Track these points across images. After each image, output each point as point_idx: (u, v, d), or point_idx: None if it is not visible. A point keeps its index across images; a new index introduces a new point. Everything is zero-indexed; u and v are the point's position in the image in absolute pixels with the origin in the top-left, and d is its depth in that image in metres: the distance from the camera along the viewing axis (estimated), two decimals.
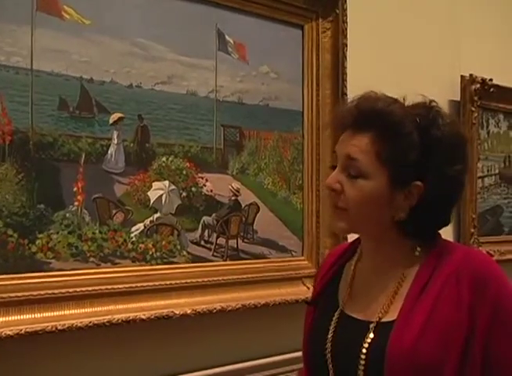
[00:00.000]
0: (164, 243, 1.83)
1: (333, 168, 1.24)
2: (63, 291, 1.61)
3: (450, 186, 1.21)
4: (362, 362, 1.17)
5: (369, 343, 1.18)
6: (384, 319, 1.19)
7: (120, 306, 1.70)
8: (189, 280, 1.85)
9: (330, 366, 1.24)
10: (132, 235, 1.78)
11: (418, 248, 1.23)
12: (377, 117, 1.18)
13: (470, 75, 2.79)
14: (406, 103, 1.24)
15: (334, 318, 1.28)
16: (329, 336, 1.26)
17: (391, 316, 1.18)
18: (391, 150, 1.16)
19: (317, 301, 1.39)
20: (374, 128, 1.18)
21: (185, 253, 1.88)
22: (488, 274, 1.17)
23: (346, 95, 2.17)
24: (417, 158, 1.16)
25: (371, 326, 1.20)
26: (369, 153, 1.17)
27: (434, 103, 1.23)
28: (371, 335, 1.18)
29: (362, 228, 1.24)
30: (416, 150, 1.16)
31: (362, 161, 1.17)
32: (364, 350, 1.17)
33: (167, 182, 1.86)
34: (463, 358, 1.12)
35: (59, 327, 1.56)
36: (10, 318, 1.52)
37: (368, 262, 1.31)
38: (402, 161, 1.16)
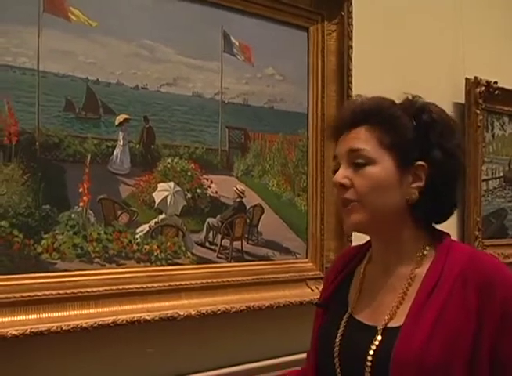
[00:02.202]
0: (168, 244, 1.84)
1: (335, 172, 1.26)
2: (68, 291, 1.61)
3: (451, 162, 1.24)
4: (369, 364, 1.17)
5: (376, 346, 1.18)
6: (390, 324, 1.20)
7: (125, 307, 1.70)
8: (193, 282, 1.85)
9: (338, 370, 1.25)
10: (137, 236, 1.78)
11: (427, 247, 1.25)
12: (368, 111, 1.24)
13: (475, 78, 2.79)
14: None
15: (343, 322, 1.29)
16: (338, 340, 1.27)
17: (398, 321, 1.18)
18: (389, 133, 1.21)
19: (327, 305, 1.39)
20: (367, 120, 1.23)
21: (189, 254, 1.89)
22: (495, 276, 1.17)
23: (351, 97, 2.17)
24: (415, 138, 1.21)
25: (378, 329, 1.20)
26: (371, 141, 1.22)
27: (417, 98, 1.28)
28: (379, 338, 1.19)
29: (375, 219, 1.22)
30: (411, 130, 1.22)
31: (366, 149, 1.21)
32: (371, 353, 1.18)
33: (172, 184, 1.86)
34: (471, 362, 1.12)
35: (64, 328, 1.56)
36: (16, 318, 1.53)
37: (377, 264, 1.32)
38: (402, 143, 1.21)
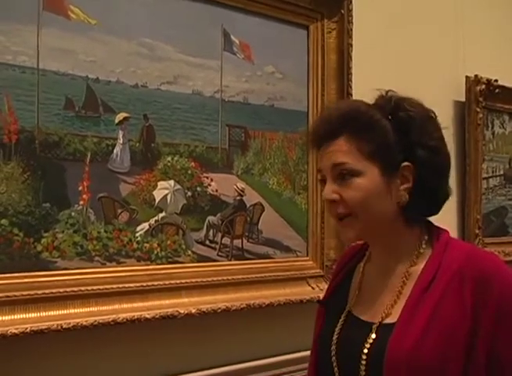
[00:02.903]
0: (168, 242, 1.84)
1: (322, 181, 1.25)
2: (68, 289, 1.61)
3: (436, 156, 1.22)
4: (364, 362, 1.17)
5: (370, 344, 1.18)
6: (386, 321, 1.20)
7: (125, 305, 1.70)
8: (193, 280, 1.85)
9: (336, 368, 1.25)
10: (137, 234, 1.78)
11: (423, 245, 1.24)
12: (345, 119, 1.21)
13: (475, 76, 2.78)
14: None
15: (341, 319, 1.29)
16: (335, 337, 1.27)
17: (393, 318, 1.18)
18: (370, 142, 1.19)
19: (327, 303, 1.39)
20: (346, 129, 1.20)
21: (190, 253, 1.89)
22: (493, 273, 1.16)
23: (351, 95, 2.18)
24: (396, 140, 1.19)
25: (373, 327, 1.20)
26: (353, 152, 1.19)
27: (391, 92, 1.26)
28: (373, 336, 1.19)
29: (371, 229, 1.23)
30: (391, 133, 1.19)
31: (349, 162, 1.19)
32: (365, 351, 1.18)
33: (172, 182, 1.86)
34: (467, 359, 1.12)
35: (64, 326, 1.56)
36: (16, 316, 1.53)
37: (376, 263, 1.32)
38: (384, 149, 1.19)
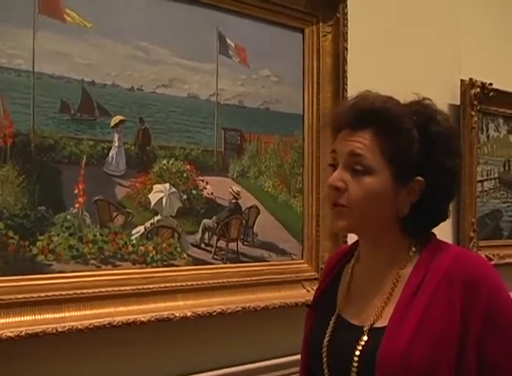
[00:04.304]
0: (164, 245, 1.84)
1: (332, 166, 1.24)
2: (64, 293, 1.61)
3: (449, 179, 1.22)
4: (355, 364, 1.17)
5: (362, 346, 1.18)
6: (376, 325, 1.20)
7: (121, 308, 1.70)
8: (189, 283, 1.85)
9: (326, 370, 1.25)
10: (133, 237, 1.78)
11: (413, 248, 1.24)
12: (376, 115, 1.19)
13: (470, 79, 2.80)
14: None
15: (331, 322, 1.29)
16: (326, 340, 1.27)
17: (384, 321, 1.18)
18: (393, 145, 1.17)
19: (316, 305, 1.39)
20: (374, 125, 1.18)
21: (185, 256, 1.89)
22: (480, 274, 1.16)
23: (346, 98, 2.18)
24: (419, 153, 1.18)
25: (364, 330, 1.20)
26: (374, 149, 1.18)
27: (427, 101, 1.25)
28: (364, 339, 1.19)
29: (363, 226, 1.23)
30: (416, 145, 1.18)
31: (367, 157, 1.17)
32: (357, 353, 1.18)
33: (167, 185, 1.86)
34: (458, 361, 1.12)
35: (59, 329, 1.56)
36: (11, 319, 1.52)
37: (365, 264, 1.32)
38: (405, 157, 1.18)
